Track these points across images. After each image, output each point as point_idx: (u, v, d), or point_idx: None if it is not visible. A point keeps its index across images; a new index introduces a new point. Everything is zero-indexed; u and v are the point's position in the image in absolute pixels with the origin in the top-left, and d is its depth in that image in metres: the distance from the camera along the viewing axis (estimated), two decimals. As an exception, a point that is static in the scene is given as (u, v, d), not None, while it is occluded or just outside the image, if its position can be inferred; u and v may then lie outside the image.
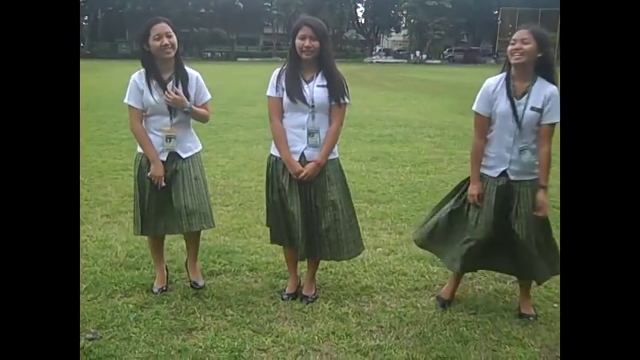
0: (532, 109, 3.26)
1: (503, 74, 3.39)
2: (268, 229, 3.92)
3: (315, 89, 3.51)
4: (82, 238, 4.94)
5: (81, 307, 3.64)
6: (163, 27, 3.50)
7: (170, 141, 3.62)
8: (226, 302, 3.74)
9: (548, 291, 3.92)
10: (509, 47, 3.27)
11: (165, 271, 3.98)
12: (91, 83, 20.28)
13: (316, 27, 3.45)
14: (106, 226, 5.30)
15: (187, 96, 3.61)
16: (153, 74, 3.57)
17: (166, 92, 3.53)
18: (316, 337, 3.32)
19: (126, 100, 3.60)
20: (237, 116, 13.43)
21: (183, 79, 3.62)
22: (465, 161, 8.37)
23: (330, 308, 3.69)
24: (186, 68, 3.66)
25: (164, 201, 3.68)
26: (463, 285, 4.00)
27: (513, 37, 3.27)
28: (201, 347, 3.20)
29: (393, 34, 78.74)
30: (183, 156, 3.69)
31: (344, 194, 3.67)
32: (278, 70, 3.58)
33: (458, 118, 12.98)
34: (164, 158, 3.64)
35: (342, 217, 3.62)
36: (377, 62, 54.49)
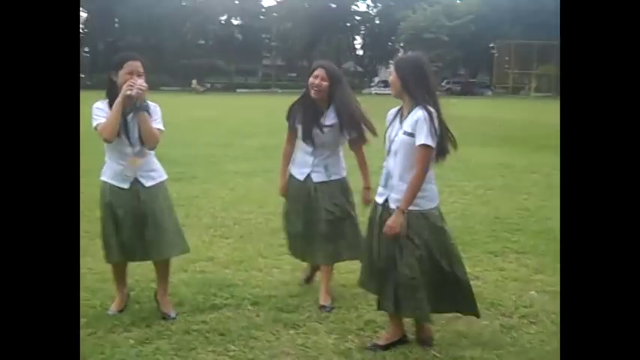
0: (404, 133, 3.33)
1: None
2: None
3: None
4: (83, 271, 4.87)
5: (81, 342, 3.57)
6: (138, 65, 3.69)
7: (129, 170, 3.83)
8: (228, 337, 3.68)
9: (557, 326, 3.86)
10: None
11: (126, 296, 4.13)
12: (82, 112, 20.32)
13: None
14: (106, 258, 5.24)
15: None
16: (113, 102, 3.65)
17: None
18: (320, 374, 3.26)
19: (96, 122, 3.67)
20: (237, 148, 13.46)
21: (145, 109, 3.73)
22: (465, 193, 8.37)
23: (333, 343, 3.63)
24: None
25: (134, 228, 3.85)
26: (469, 320, 3.95)
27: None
28: (203, 384, 3.13)
29: (392, 65, 79.52)
30: (147, 184, 3.84)
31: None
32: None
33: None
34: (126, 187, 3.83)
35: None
36: (376, 93, 54.75)
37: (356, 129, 4.07)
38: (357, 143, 4.18)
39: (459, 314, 3.73)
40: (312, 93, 3.99)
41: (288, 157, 4.31)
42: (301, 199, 4.20)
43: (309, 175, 4.15)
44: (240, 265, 5.11)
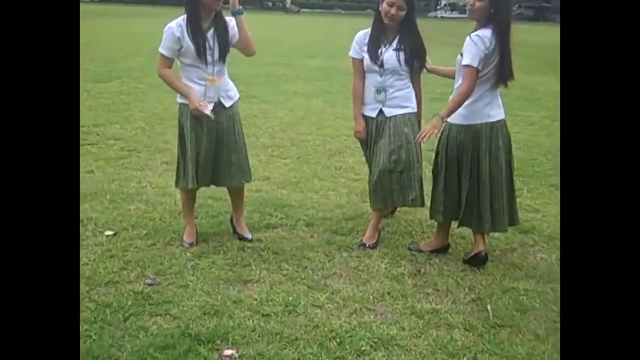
0: (460, 54, 3.65)
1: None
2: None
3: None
4: (143, 184, 5.03)
5: (140, 252, 3.71)
6: None
7: (212, 91, 3.70)
8: (282, 256, 3.74)
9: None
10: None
11: (195, 226, 3.98)
12: (153, 29, 20.34)
13: None
14: (166, 173, 5.36)
15: (229, 42, 3.69)
16: (195, 22, 3.55)
17: None
18: (371, 297, 3.29)
19: (160, 49, 3.63)
20: (297, 68, 13.33)
21: (222, 27, 3.63)
22: (531, 123, 8.11)
23: (386, 268, 3.65)
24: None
25: (212, 153, 3.75)
26: (524, 252, 3.89)
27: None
28: (256, 299, 3.21)
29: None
30: (227, 105, 3.77)
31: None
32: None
33: (523, 77, 12.42)
34: (211, 108, 3.67)
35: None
36: (441, 17, 52.87)
37: (419, 59, 3.99)
38: (417, 72, 4.07)
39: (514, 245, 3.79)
40: (386, 20, 3.84)
41: (360, 95, 4.02)
42: (376, 135, 4.00)
43: (381, 111, 3.96)
44: (296, 186, 5.13)
